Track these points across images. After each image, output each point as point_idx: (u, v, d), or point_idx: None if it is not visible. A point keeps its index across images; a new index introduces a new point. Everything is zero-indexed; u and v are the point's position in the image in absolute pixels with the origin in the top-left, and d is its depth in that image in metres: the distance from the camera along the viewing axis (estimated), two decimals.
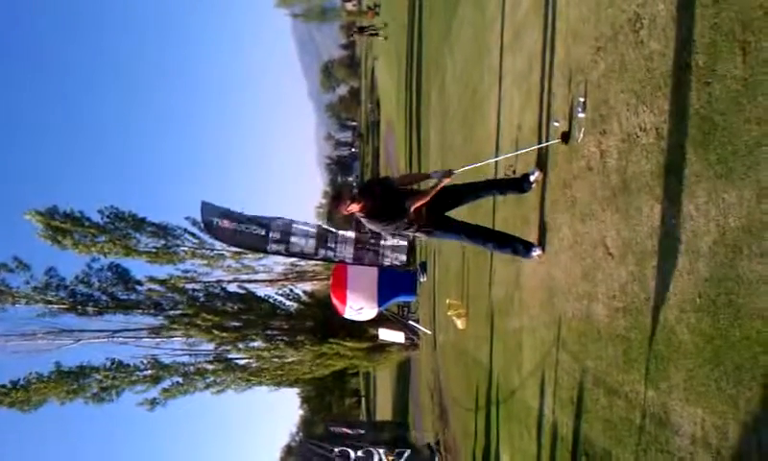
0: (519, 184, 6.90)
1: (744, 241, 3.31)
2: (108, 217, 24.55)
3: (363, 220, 6.44)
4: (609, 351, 4.84)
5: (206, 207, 12.92)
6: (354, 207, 6.24)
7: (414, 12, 26.61)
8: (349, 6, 59.90)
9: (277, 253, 14.38)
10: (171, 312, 23.63)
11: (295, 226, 13.81)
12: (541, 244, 6.63)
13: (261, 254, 24.83)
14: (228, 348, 24.32)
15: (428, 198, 6.31)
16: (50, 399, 22.27)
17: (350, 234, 14.00)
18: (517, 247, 6.77)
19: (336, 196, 6.59)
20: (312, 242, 13.99)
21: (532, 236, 6.86)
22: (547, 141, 6.54)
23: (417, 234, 6.89)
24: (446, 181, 6.29)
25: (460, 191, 6.77)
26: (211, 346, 24.29)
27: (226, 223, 12.80)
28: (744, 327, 3.28)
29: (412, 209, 6.27)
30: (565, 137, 6.01)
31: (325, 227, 13.96)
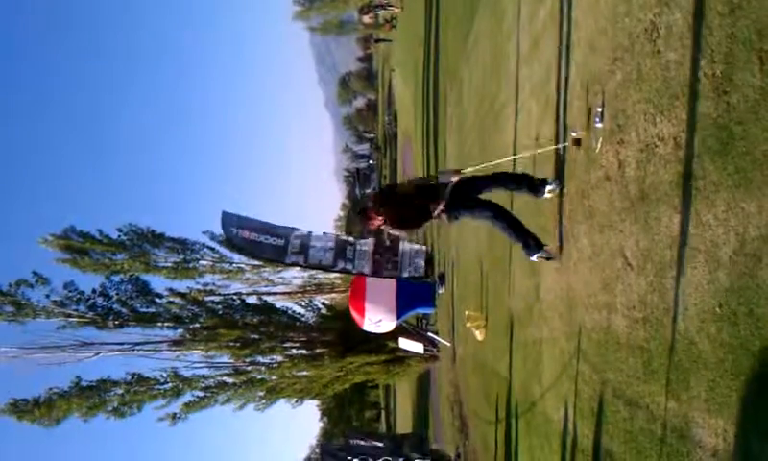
0: (535, 186, 6.85)
1: (764, 250, 3.28)
2: (125, 234, 24.73)
3: (390, 230, 6.55)
4: (629, 363, 4.82)
5: (227, 217, 12.99)
6: (379, 220, 6.38)
7: (431, 24, 26.69)
8: (367, 19, 60.07)
9: (296, 264, 14.39)
10: (191, 325, 23.67)
11: (314, 237, 13.83)
12: (560, 246, 6.61)
13: (280, 267, 24.90)
14: (248, 361, 24.32)
15: (446, 200, 6.47)
16: (71, 414, 22.37)
17: (369, 245, 13.99)
18: (529, 242, 6.75)
19: (362, 212, 6.69)
20: (330, 254, 14.00)
21: (550, 246, 6.84)
22: (563, 143, 6.60)
23: (442, 217, 6.86)
24: (456, 179, 6.51)
25: (475, 181, 6.83)
26: (231, 359, 24.29)
27: (245, 233, 12.84)
28: (765, 337, 3.25)
29: (435, 214, 6.47)
30: (578, 142, 6.08)
31: (344, 237, 13.98)
